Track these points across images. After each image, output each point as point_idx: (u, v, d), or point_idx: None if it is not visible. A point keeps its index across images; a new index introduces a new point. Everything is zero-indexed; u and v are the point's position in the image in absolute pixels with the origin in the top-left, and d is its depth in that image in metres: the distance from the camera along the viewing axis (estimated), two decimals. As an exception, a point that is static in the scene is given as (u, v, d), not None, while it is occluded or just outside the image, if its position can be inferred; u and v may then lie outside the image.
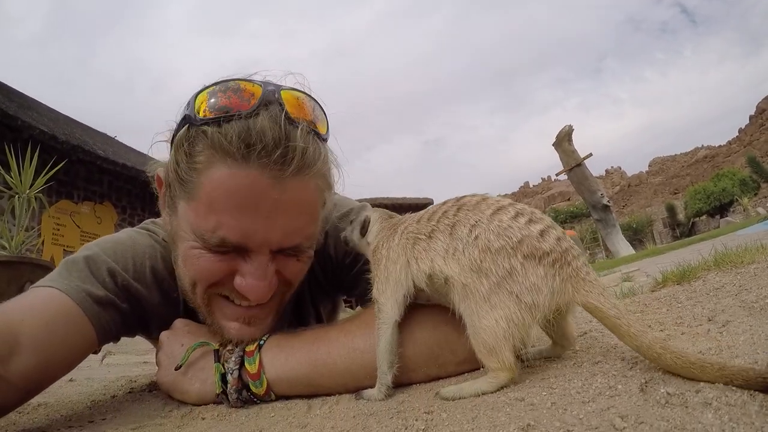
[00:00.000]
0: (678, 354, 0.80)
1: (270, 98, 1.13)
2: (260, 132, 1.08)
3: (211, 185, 1.12)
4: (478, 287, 0.96)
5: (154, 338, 1.55)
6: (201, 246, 1.19)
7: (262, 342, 1.26)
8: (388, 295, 1.11)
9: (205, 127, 1.12)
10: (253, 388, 1.20)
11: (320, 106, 1.25)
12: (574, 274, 0.94)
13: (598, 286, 0.94)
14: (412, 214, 1.20)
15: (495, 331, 0.94)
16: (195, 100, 1.16)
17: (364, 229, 1.31)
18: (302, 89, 1.24)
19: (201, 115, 1.13)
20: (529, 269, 0.94)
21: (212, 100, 1.13)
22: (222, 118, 1.10)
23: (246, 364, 1.21)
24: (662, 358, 0.82)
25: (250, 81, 1.17)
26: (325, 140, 1.24)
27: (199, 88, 1.18)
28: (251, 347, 1.24)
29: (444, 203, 1.13)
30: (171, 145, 1.23)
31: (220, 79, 1.17)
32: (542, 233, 0.97)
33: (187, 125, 1.16)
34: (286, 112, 1.12)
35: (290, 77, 1.26)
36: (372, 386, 1.14)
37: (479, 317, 0.96)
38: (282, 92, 1.16)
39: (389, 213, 1.33)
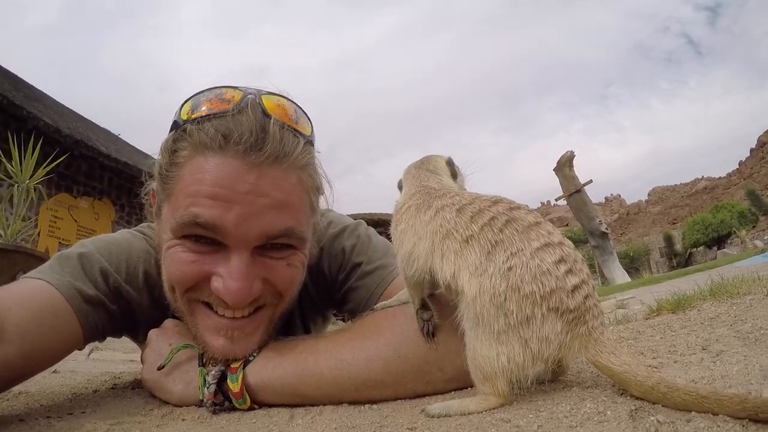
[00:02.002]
0: (688, 390, 0.76)
1: (250, 100, 1.18)
2: (237, 125, 1.13)
3: (188, 175, 1.16)
4: (492, 322, 0.91)
5: (140, 341, 1.54)
6: (177, 242, 1.19)
7: (251, 358, 1.22)
8: (408, 278, 1.07)
9: (186, 127, 1.17)
10: (236, 404, 1.18)
11: (304, 112, 1.29)
12: (586, 333, 0.90)
13: (610, 345, 0.90)
14: (453, 193, 1.08)
15: (494, 363, 0.92)
16: (181, 108, 1.22)
17: (400, 189, 1.24)
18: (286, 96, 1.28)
19: (184, 118, 1.19)
20: (547, 322, 0.89)
21: (195, 105, 1.20)
22: (203, 117, 1.16)
23: (228, 381, 1.18)
24: (670, 396, 0.78)
25: (232, 87, 1.22)
26: (309, 142, 1.26)
27: (186, 98, 1.24)
28: (236, 364, 1.21)
29: (495, 202, 1.02)
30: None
31: (205, 88, 1.24)
32: (575, 288, 0.91)
33: (172, 131, 1.22)
34: (264, 108, 1.17)
35: (280, 92, 1.29)
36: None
37: (481, 345, 0.93)
38: (262, 96, 1.21)
39: (415, 167, 1.24)
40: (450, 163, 1.26)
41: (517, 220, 0.98)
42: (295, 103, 1.28)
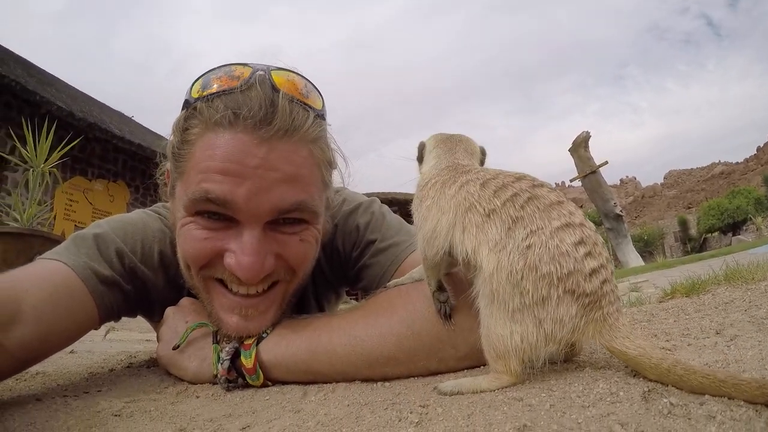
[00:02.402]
0: (705, 373, 0.75)
1: (259, 76, 1.18)
2: (247, 100, 1.14)
3: (200, 151, 1.16)
4: (507, 301, 0.90)
5: (155, 321, 1.56)
6: (190, 219, 1.19)
7: (264, 335, 1.24)
8: (426, 248, 1.04)
9: (196, 105, 1.18)
10: (249, 381, 1.20)
11: (315, 87, 1.29)
12: (601, 318, 0.89)
13: (624, 330, 0.89)
14: (479, 169, 1.09)
15: (507, 341, 0.92)
16: (191, 87, 1.23)
17: (420, 156, 1.22)
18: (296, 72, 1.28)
19: (195, 96, 1.20)
20: (563, 303, 0.89)
21: (206, 84, 1.20)
22: (213, 94, 1.17)
23: (242, 357, 1.19)
24: (687, 379, 0.77)
25: (242, 64, 1.22)
26: (320, 116, 1.26)
27: (196, 77, 1.25)
28: (249, 340, 1.22)
29: (519, 178, 1.01)
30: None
31: (215, 66, 1.24)
32: (593, 272, 0.90)
33: (184, 110, 1.23)
34: (273, 83, 1.17)
35: (289, 68, 1.29)
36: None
37: (496, 323, 0.93)
38: (272, 72, 1.21)
39: (450, 141, 1.21)
40: (483, 152, 1.25)
41: (540, 197, 0.96)
42: (305, 78, 1.27)
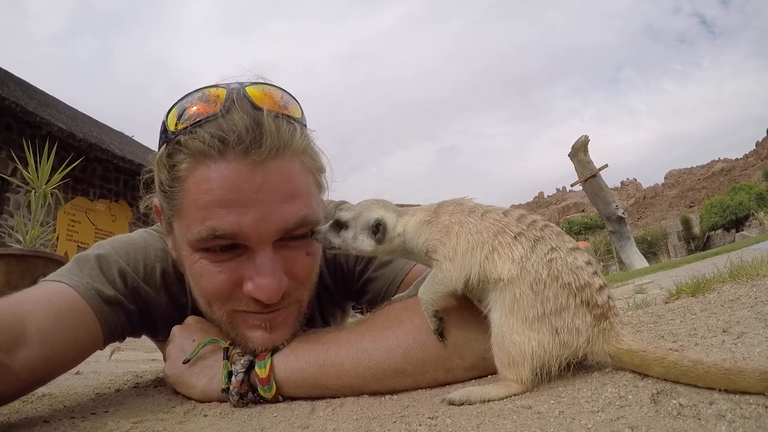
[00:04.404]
0: (712, 362, 0.78)
1: (236, 96, 1.16)
2: (231, 126, 1.11)
3: (194, 187, 1.14)
4: (528, 309, 0.96)
5: (159, 340, 1.55)
6: (200, 255, 1.19)
7: (280, 347, 1.24)
8: (457, 265, 1.03)
9: (179, 138, 1.15)
10: (261, 392, 1.19)
11: (290, 95, 1.28)
12: (608, 327, 0.98)
13: (628, 335, 0.98)
14: (490, 207, 1.12)
15: (523, 348, 0.96)
16: (167, 119, 1.20)
17: (378, 232, 1.13)
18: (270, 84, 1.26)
19: (174, 129, 1.17)
20: (579, 313, 0.97)
21: (181, 113, 1.17)
22: (193, 125, 1.14)
23: (256, 368, 1.19)
24: (694, 370, 0.79)
25: (214, 86, 1.20)
26: (302, 125, 1.25)
27: (168, 108, 1.21)
28: (264, 351, 1.23)
29: (528, 214, 1.10)
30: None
31: (185, 93, 1.21)
32: (600, 288, 1.00)
33: (164, 144, 1.20)
34: (252, 102, 1.15)
35: (260, 80, 1.27)
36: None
37: (512, 331, 0.97)
38: (246, 88, 1.18)
39: (388, 204, 1.19)
40: None
41: (551, 226, 1.09)
42: (279, 88, 1.26)
